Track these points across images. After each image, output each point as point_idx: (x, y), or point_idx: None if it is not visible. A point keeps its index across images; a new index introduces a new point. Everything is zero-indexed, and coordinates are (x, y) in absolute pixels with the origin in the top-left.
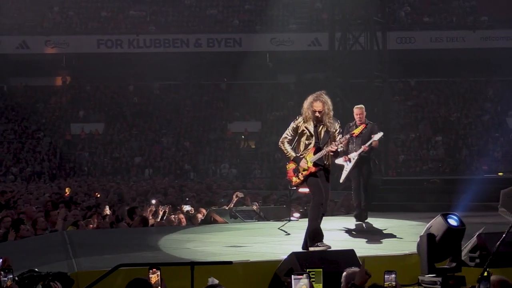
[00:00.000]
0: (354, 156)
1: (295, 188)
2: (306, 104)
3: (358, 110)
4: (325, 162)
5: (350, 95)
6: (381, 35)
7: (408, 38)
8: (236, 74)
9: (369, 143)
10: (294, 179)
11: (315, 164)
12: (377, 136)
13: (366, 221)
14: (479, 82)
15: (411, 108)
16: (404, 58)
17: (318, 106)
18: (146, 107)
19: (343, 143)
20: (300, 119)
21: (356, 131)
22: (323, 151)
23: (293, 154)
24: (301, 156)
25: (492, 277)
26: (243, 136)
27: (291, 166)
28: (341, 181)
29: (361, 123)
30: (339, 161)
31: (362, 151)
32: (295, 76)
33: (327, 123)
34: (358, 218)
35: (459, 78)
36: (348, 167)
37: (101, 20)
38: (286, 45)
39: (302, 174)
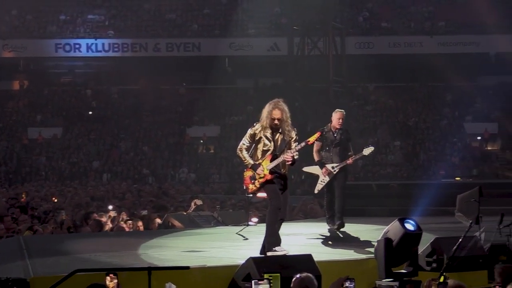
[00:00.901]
0: (335, 168)
1: (251, 195)
2: (264, 112)
3: (340, 114)
4: (282, 170)
5: (309, 99)
6: (340, 40)
7: (366, 43)
8: (195, 79)
9: (356, 157)
10: (251, 186)
11: (271, 171)
12: (367, 151)
13: (339, 230)
14: (437, 87)
15: (369, 113)
16: (362, 63)
17: (277, 114)
18: (104, 111)
19: (298, 151)
20: (257, 126)
21: (311, 139)
22: (279, 158)
23: (251, 161)
24: (258, 163)
25: (449, 282)
26: (201, 141)
27: (248, 173)
28: (315, 191)
29: (338, 129)
30: (310, 169)
31: (345, 165)
32: (254, 81)
33: (285, 131)
34: (330, 227)
35: (417, 83)
36: (325, 179)
37: (60, 24)
38: (245, 50)
39: (258, 181)
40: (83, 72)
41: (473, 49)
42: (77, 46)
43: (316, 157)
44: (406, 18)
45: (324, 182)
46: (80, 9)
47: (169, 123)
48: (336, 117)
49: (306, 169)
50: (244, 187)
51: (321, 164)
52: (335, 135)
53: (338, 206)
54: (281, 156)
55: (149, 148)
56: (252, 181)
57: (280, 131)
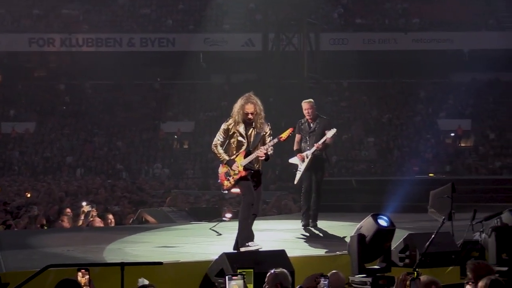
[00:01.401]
0: (308, 154)
1: (226, 191)
2: (237, 106)
3: (306, 105)
4: (256, 165)
5: (283, 95)
6: (314, 36)
7: (341, 40)
8: (170, 74)
9: (322, 140)
10: (226, 182)
11: (245, 168)
12: (330, 133)
13: (313, 227)
14: (411, 84)
15: (343, 109)
16: (337, 59)
17: (249, 108)
18: (78, 106)
19: (271, 146)
20: (230, 120)
21: (284, 135)
22: (252, 155)
23: (226, 157)
24: (233, 160)
25: (422, 278)
26: (176, 136)
27: (223, 169)
28: (295, 182)
29: (311, 119)
30: (293, 160)
31: (316, 150)
32: (229, 77)
33: (258, 125)
34: (304, 222)
35: (391, 79)
36: (302, 167)
37: (33, 18)
38: (220, 45)
39: (233, 178)
40: (57, 67)
41: (447, 46)
42: (50, 40)
43: (295, 147)
44: (381, 14)
45: (300, 170)
46: (54, 3)
47: (143, 118)
48: (303, 108)
49: (290, 160)
50: (219, 184)
51: (298, 151)
52: (311, 125)
53: (313, 202)
54: (255, 152)
55: (123, 143)
56: (227, 177)
57: (253, 125)
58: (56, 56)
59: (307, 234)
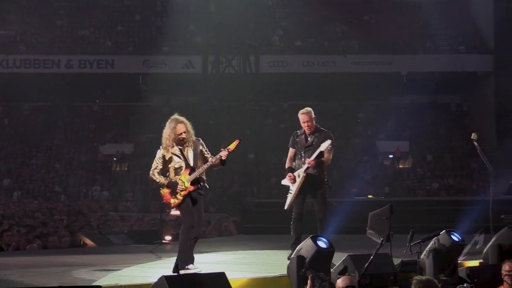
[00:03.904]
0: (299, 173)
1: (175, 209)
2: (167, 131)
3: (304, 117)
4: (201, 182)
5: (223, 117)
6: (254, 58)
7: (280, 62)
8: (109, 96)
9: (314, 155)
10: (173, 200)
11: (192, 183)
12: (324, 145)
13: None
14: (350, 106)
15: (283, 131)
16: (277, 81)
17: (181, 128)
18: (16, 128)
19: (219, 158)
20: (163, 149)
21: (231, 146)
22: (200, 169)
23: (164, 180)
24: (174, 181)
25: None
26: (115, 158)
27: (165, 190)
28: (285, 207)
29: (310, 131)
30: (286, 181)
31: (308, 167)
32: (169, 98)
33: (191, 143)
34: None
35: (330, 102)
36: (293, 188)
37: None
38: (159, 67)
39: (180, 194)
40: None
41: (385, 68)
42: None
43: (287, 165)
44: (320, 37)
45: (291, 192)
46: None
47: (81, 140)
48: (301, 120)
49: (283, 182)
50: (166, 204)
51: (289, 170)
52: (308, 138)
53: (320, 228)
54: (203, 166)
55: (61, 165)
56: (173, 195)
57: (186, 144)
58: None
59: (247, 257)
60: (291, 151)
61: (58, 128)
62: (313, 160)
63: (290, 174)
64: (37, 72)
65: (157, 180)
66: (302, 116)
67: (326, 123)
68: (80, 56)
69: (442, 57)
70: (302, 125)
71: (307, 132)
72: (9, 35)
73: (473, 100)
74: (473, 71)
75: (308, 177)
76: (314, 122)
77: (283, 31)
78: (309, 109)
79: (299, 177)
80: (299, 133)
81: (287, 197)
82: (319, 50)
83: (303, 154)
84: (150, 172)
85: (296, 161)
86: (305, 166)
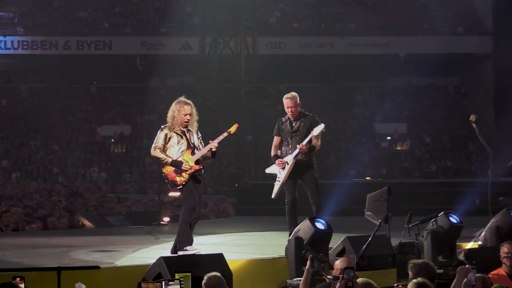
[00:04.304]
0: (289, 159)
1: (181, 186)
2: (173, 110)
3: (288, 102)
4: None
5: (220, 99)
6: (251, 40)
7: (278, 43)
8: (106, 77)
9: (306, 140)
10: (179, 178)
11: (196, 162)
12: (317, 130)
13: None
14: (348, 88)
15: (280, 113)
16: (274, 63)
17: (187, 109)
18: (14, 109)
19: (220, 140)
20: (166, 128)
21: (232, 129)
22: (203, 150)
23: (169, 158)
24: (179, 160)
25: (358, 280)
26: (113, 140)
27: (169, 169)
28: (273, 196)
29: (294, 117)
30: (271, 169)
31: (299, 153)
32: (165, 80)
33: (194, 126)
34: None
35: (328, 83)
36: (281, 175)
37: None
38: (157, 49)
39: (186, 173)
40: None
41: (383, 50)
42: None
43: (272, 153)
44: (317, 19)
45: (279, 180)
46: None
47: (79, 121)
48: (285, 105)
49: (267, 170)
50: (171, 183)
51: (276, 157)
52: (293, 124)
53: (316, 214)
54: (207, 146)
55: (59, 147)
56: (178, 173)
57: (189, 127)
58: None
59: (245, 237)
60: (276, 139)
61: (56, 109)
62: (305, 145)
63: (280, 159)
64: (35, 53)
65: (161, 157)
66: (286, 100)
67: (323, 105)
68: (78, 37)
69: (440, 38)
70: (286, 110)
71: (291, 117)
72: (7, 17)
73: (472, 82)
74: (471, 52)
75: (297, 163)
76: (298, 108)
77: (280, 12)
78: (294, 93)
79: (288, 164)
80: (283, 120)
81: (274, 185)
82: (316, 31)
83: (290, 141)
84: (152, 150)
85: (283, 148)
86: (295, 152)
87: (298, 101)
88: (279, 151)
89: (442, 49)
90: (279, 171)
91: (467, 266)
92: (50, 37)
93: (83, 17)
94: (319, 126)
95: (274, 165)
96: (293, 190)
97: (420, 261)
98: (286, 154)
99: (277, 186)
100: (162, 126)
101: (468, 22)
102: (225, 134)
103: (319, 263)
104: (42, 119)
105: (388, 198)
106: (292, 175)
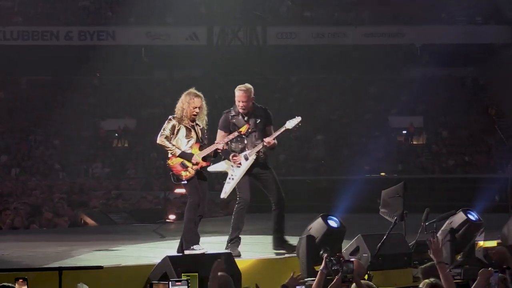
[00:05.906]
0: (249, 156)
1: (186, 182)
2: (184, 102)
3: (242, 95)
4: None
5: (229, 92)
6: (261, 30)
7: (288, 33)
8: (110, 69)
9: (277, 133)
10: (184, 173)
11: (204, 159)
12: (291, 124)
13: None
14: (361, 80)
15: (292, 106)
16: (284, 54)
17: (198, 102)
18: (13, 103)
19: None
20: (175, 119)
21: (243, 129)
22: (212, 146)
23: (177, 150)
24: (189, 153)
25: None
26: (116, 134)
27: (175, 161)
28: (224, 195)
29: (245, 112)
30: (218, 167)
31: (262, 148)
32: (172, 72)
33: (202, 120)
34: (235, 253)
35: (340, 75)
36: (235, 173)
37: None
38: (163, 39)
39: (193, 168)
40: None
41: (398, 40)
42: None
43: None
44: (330, 8)
45: (233, 178)
46: None
47: (82, 115)
48: (236, 98)
49: (211, 168)
50: (175, 176)
51: (227, 153)
52: (245, 119)
53: (278, 222)
54: (214, 144)
55: (61, 142)
56: (184, 167)
57: (197, 121)
58: None
59: (255, 236)
60: (223, 134)
61: (57, 102)
62: (272, 139)
63: (236, 154)
64: (35, 44)
65: (169, 147)
66: (239, 93)
67: (336, 97)
68: (80, 27)
69: (457, 28)
70: (237, 103)
71: (242, 112)
72: (6, 6)
73: (490, 73)
74: (490, 42)
75: (256, 160)
76: (250, 103)
77: (291, 1)
78: (248, 86)
79: (246, 160)
80: (233, 113)
81: (226, 183)
82: (329, 21)
83: (244, 137)
84: (158, 137)
85: (234, 144)
86: (258, 147)
87: (252, 95)
88: (228, 147)
89: (460, 38)
90: (232, 169)
91: (490, 269)
92: (51, 27)
93: (85, 6)
94: (294, 119)
95: (223, 162)
96: (249, 188)
97: (429, 265)
98: (241, 152)
99: (229, 184)
100: (171, 117)
101: (486, 11)
102: (236, 133)
103: (331, 265)
104: (42, 113)
105: (403, 195)
106: (247, 173)
